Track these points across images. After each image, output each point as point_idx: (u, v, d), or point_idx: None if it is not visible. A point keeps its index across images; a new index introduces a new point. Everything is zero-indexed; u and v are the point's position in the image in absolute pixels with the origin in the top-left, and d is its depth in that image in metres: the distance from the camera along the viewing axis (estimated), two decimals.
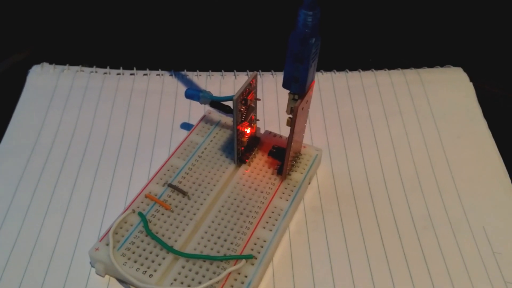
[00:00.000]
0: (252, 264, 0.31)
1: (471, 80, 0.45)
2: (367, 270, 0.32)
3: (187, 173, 0.35)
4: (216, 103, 0.37)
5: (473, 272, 0.32)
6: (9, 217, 0.34)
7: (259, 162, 0.37)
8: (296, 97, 0.32)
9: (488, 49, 0.52)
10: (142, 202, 0.34)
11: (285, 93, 0.32)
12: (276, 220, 0.33)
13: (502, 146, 0.40)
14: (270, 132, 0.39)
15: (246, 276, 0.30)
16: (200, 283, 0.29)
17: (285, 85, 0.32)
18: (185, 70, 0.45)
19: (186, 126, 0.41)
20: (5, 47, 0.49)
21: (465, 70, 0.46)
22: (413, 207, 0.36)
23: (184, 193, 0.34)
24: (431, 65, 0.47)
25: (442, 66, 0.46)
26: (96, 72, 0.44)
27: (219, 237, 0.32)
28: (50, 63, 0.44)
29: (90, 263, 0.32)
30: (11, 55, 0.48)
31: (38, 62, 0.44)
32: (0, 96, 0.44)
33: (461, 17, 0.54)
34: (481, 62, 0.50)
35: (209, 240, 0.32)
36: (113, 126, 0.40)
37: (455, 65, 0.46)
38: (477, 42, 0.52)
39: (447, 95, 0.44)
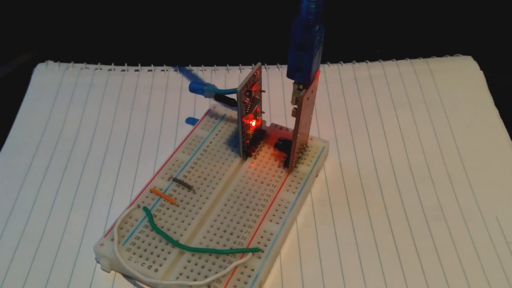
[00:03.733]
0: (259, 257, 0.30)
1: (481, 69, 0.44)
2: (377, 263, 0.32)
3: (192, 167, 0.35)
4: (221, 96, 0.37)
5: (486, 263, 0.32)
6: (15, 212, 0.34)
7: (265, 155, 0.36)
8: (301, 87, 0.32)
9: (498, 37, 0.51)
10: (147, 197, 0.33)
11: (291, 86, 0.32)
12: (283, 213, 0.33)
13: None
14: (276, 125, 0.38)
15: (253, 270, 0.30)
16: (206, 277, 0.29)
17: (289, 74, 0.31)
18: (190, 65, 0.45)
19: (191, 120, 0.40)
20: (12, 47, 0.49)
21: (475, 59, 0.45)
22: (424, 197, 0.35)
23: (189, 187, 0.34)
24: (440, 54, 0.46)
25: (451, 55, 0.46)
26: (100, 69, 0.44)
27: (225, 231, 0.31)
28: (55, 61, 0.44)
29: (96, 258, 0.31)
30: (18, 56, 0.48)
31: (43, 61, 0.44)
32: (7, 95, 0.44)
33: (470, 5, 0.53)
34: (492, 50, 0.49)
35: (215, 234, 0.31)
36: (118, 122, 0.40)
37: (464, 53, 0.45)
38: (487, 30, 0.51)
39: (457, 84, 0.43)
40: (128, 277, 0.31)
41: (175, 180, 0.34)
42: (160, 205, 0.33)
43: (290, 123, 0.39)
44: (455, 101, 0.42)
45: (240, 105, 0.33)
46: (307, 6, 0.28)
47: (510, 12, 0.52)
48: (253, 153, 0.36)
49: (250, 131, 0.36)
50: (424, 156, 0.38)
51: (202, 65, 0.45)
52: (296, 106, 0.32)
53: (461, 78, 0.44)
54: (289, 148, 0.34)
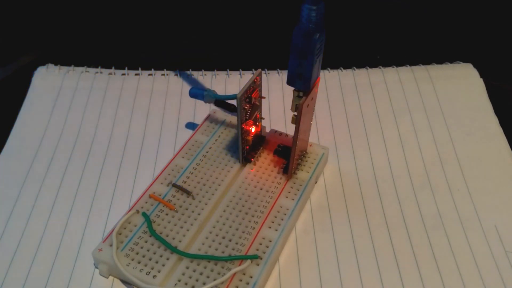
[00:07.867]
0: (258, 265, 0.30)
1: (481, 76, 0.44)
2: (376, 271, 0.32)
3: (192, 173, 0.35)
4: (221, 101, 0.37)
5: (485, 272, 0.32)
6: (13, 217, 0.34)
7: (265, 161, 0.36)
8: (301, 94, 0.32)
9: (498, 44, 0.51)
10: (146, 202, 0.33)
11: (291, 92, 0.32)
12: (282, 219, 0.33)
13: None
14: (276, 131, 0.38)
15: (251, 277, 0.30)
16: (204, 284, 0.29)
17: (289, 82, 0.31)
18: (190, 70, 0.45)
19: (191, 125, 0.40)
20: (13, 49, 0.49)
21: (475, 66, 0.45)
22: (423, 205, 0.35)
23: (188, 193, 0.34)
24: (440, 61, 0.46)
25: (451, 62, 0.46)
26: (101, 72, 0.44)
27: (223, 237, 0.31)
28: (56, 64, 0.44)
29: (94, 264, 0.31)
30: (19, 58, 0.48)
31: (43, 64, 0.44)
32: (7, 98, 0.44)
33: (470, 13, 0.53)
34: (492, 58, 0.49)
35: (213, 240, 0.31)
36: (118, 126, 0.40)
37: (464, 61, 0.45)
38: (487, 37, 0.51)
39: (457, 91, 0.43)
40: (127, 283, 0.30)
41: (174, 185, 0.34)
42: (159, 211, 0.33)
43: (290, 129, 0.39)
44: (455, 109, 0.42)
45: (240, 111, 0.33)
46: (308, 14, 0.28)
47: (510, 19, 0.52)
48: (252, 159, 0.36)
49: (250, 137, 0.36)
50: (424, 163, 0.38)
51: (202, 70, 0.45)
52: (296, 113, 0.32)
53: (461, 86, 0.44)
54: (288, 155, 0.34)
